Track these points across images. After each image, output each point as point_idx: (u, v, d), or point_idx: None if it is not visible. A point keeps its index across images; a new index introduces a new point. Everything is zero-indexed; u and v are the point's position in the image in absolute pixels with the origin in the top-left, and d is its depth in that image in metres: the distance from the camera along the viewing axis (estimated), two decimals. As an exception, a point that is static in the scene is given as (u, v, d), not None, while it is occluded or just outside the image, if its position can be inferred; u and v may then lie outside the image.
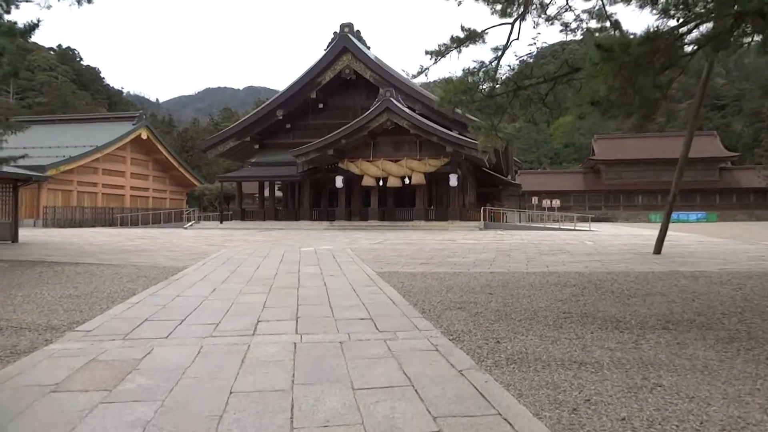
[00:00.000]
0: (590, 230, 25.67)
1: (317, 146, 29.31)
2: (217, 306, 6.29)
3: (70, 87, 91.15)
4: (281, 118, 33.24)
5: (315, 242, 17.91)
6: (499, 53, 8.82)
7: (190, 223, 32.50)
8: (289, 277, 8.77)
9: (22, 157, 15.52)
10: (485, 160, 29.03)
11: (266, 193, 36.51)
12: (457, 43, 9.96)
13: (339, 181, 30.77)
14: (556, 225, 29.56)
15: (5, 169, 15.72)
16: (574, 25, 7.30)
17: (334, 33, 32.30)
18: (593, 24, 7.91)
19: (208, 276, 8.94)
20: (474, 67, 8.17)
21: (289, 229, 28.33)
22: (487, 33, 9.94)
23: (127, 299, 6.77)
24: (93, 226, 33.99)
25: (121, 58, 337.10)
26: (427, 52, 11.91)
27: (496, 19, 10.10)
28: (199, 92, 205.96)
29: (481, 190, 41.50)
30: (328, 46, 32.37)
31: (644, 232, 24.53)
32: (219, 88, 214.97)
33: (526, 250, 14.16)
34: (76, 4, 13.70)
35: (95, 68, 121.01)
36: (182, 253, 13.59)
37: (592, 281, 8.15)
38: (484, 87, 7.30)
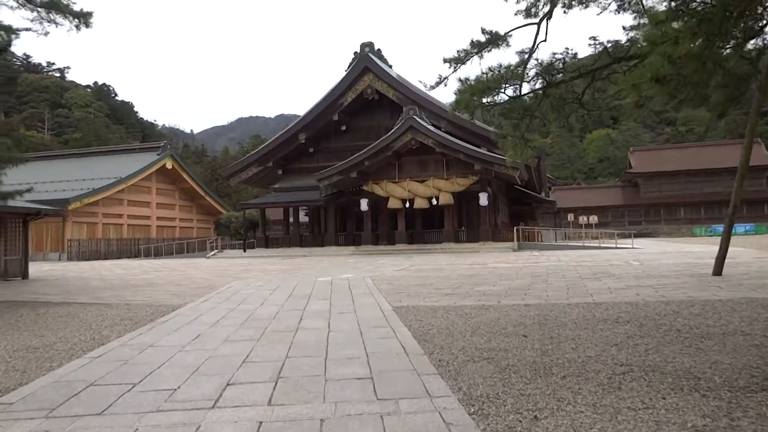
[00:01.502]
0: (633, 248, 23.89)
1: (340, 169, 28.39)
2: (189, 361, 5.17)
3: (104, 122, 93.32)
4: (303, 141, 32.53)
5: (336, 270, 16.80)
6: (525, 56, 7.63)
7: (212, 253, 31.83)
8: (290, 317, 7.62)
9: (28, 190, 14.87)
10: (516, 177, 27.60)
11: (291, 219, 35.70)
12: (478, 47, 8.79)
13: (364, 204, 29.73)
14: (595, 243, 27.79)
15: (12, 203, 15.11)
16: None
17: (355, 53, 31.60)
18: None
19: (200, 317, 7.87)
20: (495, 65, 7.03)
21: (312, 255, 27.31)
22: (510, 35, 8.76)
23: (90, 352, 5.72)
24: (119, 258, 33.66)
25: (156, 92, 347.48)
26: (445, 60, 10.83)
27: (521, 20, 8.96)
28: (231, 122, 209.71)
29: (513, 208, 39.89)
30: (348, 67, 31.66)
31: (693, 248, 22.67)
32: (251, 117, 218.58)
33: (564, 274, 12.72)
34: (75, 29, 13.16)
35: (129, 102, 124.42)
36: (188, 287, 12.62)
37: (649, 315, 6.75)
38: (507, 86, 6.09)
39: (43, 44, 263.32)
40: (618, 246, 24.96)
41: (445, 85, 12.32)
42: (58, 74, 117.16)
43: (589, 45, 6.30)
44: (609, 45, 5.82)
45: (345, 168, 28.37)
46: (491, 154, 26.56)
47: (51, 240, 32.72)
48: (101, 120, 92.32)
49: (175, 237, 40.14)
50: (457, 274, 13.78)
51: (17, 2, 12.52)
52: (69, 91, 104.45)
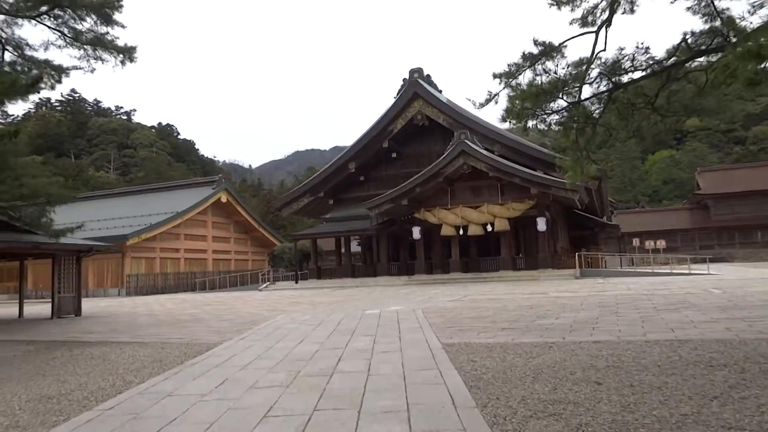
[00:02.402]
0: (710, 274, 21.99)
1: (390, 197, 27.81)
2: (204, 414, 4.53)
3: (167, 160, 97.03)
4: (354, 171, 32.25)
5: (386, 301, 16.03)
6: (583, 68, 6.75)
7: (264, 285, 31.70)
8: (329, 357, 6.90)
9: (80, 227, 14.99)
10: (576, 200, 26.19)
11: (343, 249, 35.28)
12: (530, 60, 8.00)
13: (416, 232, 28.95)
14: (666, 269, 25.86)
15: (64, 240, 15.22)
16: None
17: (404, 79, 31.27)
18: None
19: (233, 358, 7.26)
20: (550, 67, 6.17)
21: (364, 286, 26.67)
22: (565, 46, 7.95)
23: (104, 402, 5.19)
24: (176, 292, 34.07)
25: (216, 130, 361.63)
26: (495, 75, 10.07)
27: (576, 29, 8.14)
28: (288, 156, 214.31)
29: (574, 233, 38.09)
30: (397, 94, 31.34)
31: (779, 273, 20.64)
32: (307, 150, 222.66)
33: (637, 304, 11.47)
34: (120, 65, 13.24)
35: (191, 141, 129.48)
36: (232, 322, 12.15)
37: (750, 357, 5.63)
38: (565, 91, 5.26)
39: (111, 89, 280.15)
40: (692, 272, 23.07)
41: (496, 103, 11.51)
42: (125, 116, 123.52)
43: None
44: (689, 37, 4.92)
45: (396, 195, 27.77)
46: (548, 176, 25.36)
47: (111, 276, 33.53)
48: (163, 158, 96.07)
49: (231, 269, 40.46)
50: (515, 304, 12.74)
51: (65, 42, 12.72)
52: (135, 132, 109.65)
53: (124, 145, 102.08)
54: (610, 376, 5.09)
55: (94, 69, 13.08)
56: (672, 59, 4.89)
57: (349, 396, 4.87)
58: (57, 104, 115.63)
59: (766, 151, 76.65)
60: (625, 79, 5.08)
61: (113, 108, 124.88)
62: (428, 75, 31.67)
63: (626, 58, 5.22)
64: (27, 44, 12.97)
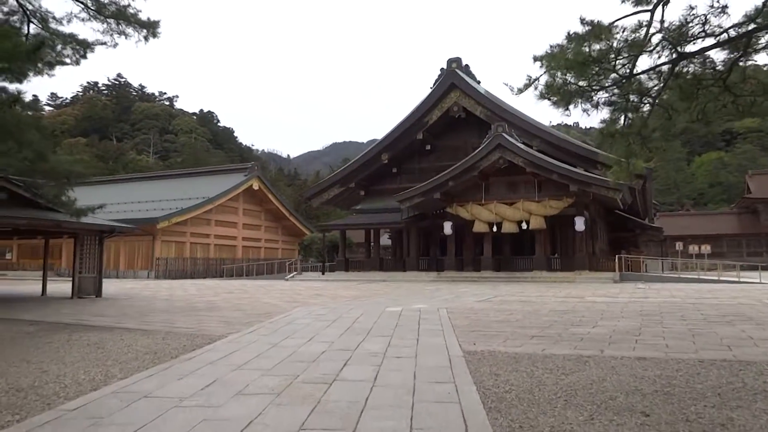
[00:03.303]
0: (762, 283, 20.46)
1: (422, 190, 26.95)
2: (173, 425, 3.89)
3: (205, 146, 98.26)
4: (386, 162, 31.47)
5: (411, 299, 15.29)
6: (640, 33, 5.78)
7: (291, 275, 31.31)
8: (334, 360, 6.20)
9: (101, 207, 14.66)
10: (618, 200, 24.83)
11: (372, 241, 34.60)
12: (576, 41, 7.10)
13: (447, 228, 28.04)
14: (712, 275, 24.33)
15: (86, 220, 14.95)
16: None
17: (441, 69, 30.28)
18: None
19: (232, 354, 6.64)
20: (596, 48, 5.20)
21: (391, 280, 25.96)
22: (615, 26, 7.01)
23: (71, 401, 4.63)
24: (204, 277, 34.03)
25: (256, 119, 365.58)
26: (536, 58, 9.16)
27: (629, 8, 7.16)
28: (326, 147, 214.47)
29: (613, 235, 36.52)
30: (434, 84, 30.37)
31: (840, 286, 19.03)
32: (344, 142, 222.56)
33: (684, 314, 10.41)
34: (143, 40, 12.83)
35: (230, 128, 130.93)
36: (247, 313, 11.59)
37: (834, 388, 4.67)
38: (618, 60, 4.36)
39: (155, 75, 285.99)
40: (742, 280, 21.55)
41: (536, 89, 10.57)
42: (167, 102, 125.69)
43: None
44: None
45: (428, 189, 26.90)
46: (589, 174, 24.12)
47: (141, 258, 33.70)
48: (202, 144, 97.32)
49: (260, 258, 40.33)
50: (548, 308, 11.82)
51: (88, 14, 12.34)
52: (176, 117, 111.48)
53: (166, 130, 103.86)
54: (659, 405, 4.23)
55: (117, 44, 12.69)
56: (752, 25, 3.97)
57: (344, 412, 4.15)
58: (103, 88, 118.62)
59: None
60: (691, 48, 4.18)
61: (157, 93, 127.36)
62: (467, 65, 30.59)
63: (696, 21, 4.28)
64: (53, 17, 12.69)
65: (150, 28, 12.44)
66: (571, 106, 7.25)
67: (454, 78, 29.61)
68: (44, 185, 13.21)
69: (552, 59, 4.59)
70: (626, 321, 9.41)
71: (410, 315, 10.62)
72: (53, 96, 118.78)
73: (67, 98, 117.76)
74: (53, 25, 12.90)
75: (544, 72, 9.65)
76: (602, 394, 4.59)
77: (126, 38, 12.66)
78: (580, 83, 4.50)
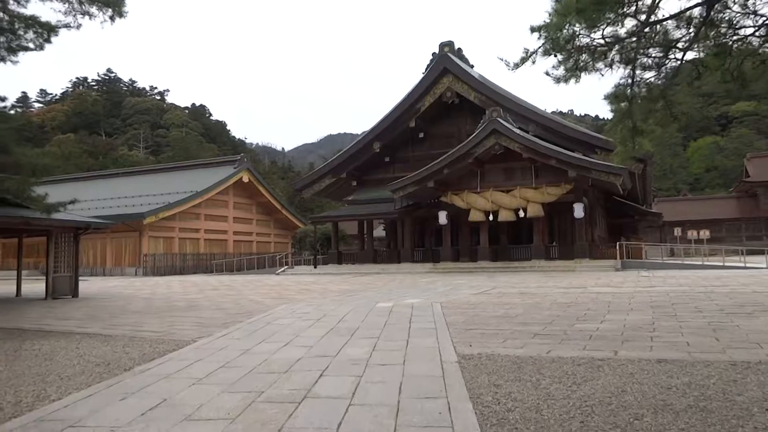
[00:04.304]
0: (768, 268, 19.74)
1: (415, 179, 26.08)
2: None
3: (198, 140, 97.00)
4: (378, 151, 30.50)
5: (404, 292, 14.48)
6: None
7: (282, 269, 30.46)
8: (309, 370, 5.39)
9: (71, 202, 13.75)
10: (618, 186, 24.01)
11: (366, 233, 33.74)
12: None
13: (443, 217, 27.19)
14: (715, 261, 23.58)
15: (58, 216, 14.03)
16: None
17: (433, 54, 29.26)
18: None
19: (194, 364, 5.83)
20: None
21: (385, 273, 25.16)
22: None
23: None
24: (194, 273, 33.17)
25: (250, 112, 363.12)
26: (533, 29, 8.33)
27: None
28: (321, 139, 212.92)
29: (611, 221, 35.76)
30: (426, 69, 29.37)
31: None
32: (339, 134, 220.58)
33: (697, 304, 9.63)
34: (109, 21, 11.93)
35: (222, 122, 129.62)
36: (227, 312, 10.76)
37: None
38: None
39: (146, 69, 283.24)
40: (747, 266, 20.81)
41: (533, 63, 9.69)
42: (158, 97, 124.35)
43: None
44: None
45: (421, 177, 26.03)
46: (588, 158, 23.31)
47: (129, 255, 32.80)
48: (194, 138, 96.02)
49: (252, 252, 39.46)
50: (550, 300, 11.03)
51: (47, -8, 11.42)
52: (167, 112, 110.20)
53: (157, 125, 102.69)
54: (697, 427, 3.42)
55: (80, 25, 11.78)
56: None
57: (307, 446, 3.33)
58: (93, 84, 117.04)
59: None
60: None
61: (148, 88, 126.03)
62: (459, 49, 29.58)
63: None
64: (12, -1, 11.79)
65: (115, 6, 11.52)
66: (580, 62, 6.30)
67: (447, 62, 28.63)
68: (5, 180, 12.28)
69: (556, 3, 3.78)
70: (636, 314, 8.62)
71: (402, 311, 9.81)
72: (42, 92, 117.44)
73: (56, 94, 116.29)
74: (13, 6, 12.03)
75: (543, 44, 8.79)
76: (625, 412, 3.78)
77: (90, 18, 11.76)
78: (593, 35, 3.74)
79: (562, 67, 9.21)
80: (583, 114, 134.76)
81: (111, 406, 4.32)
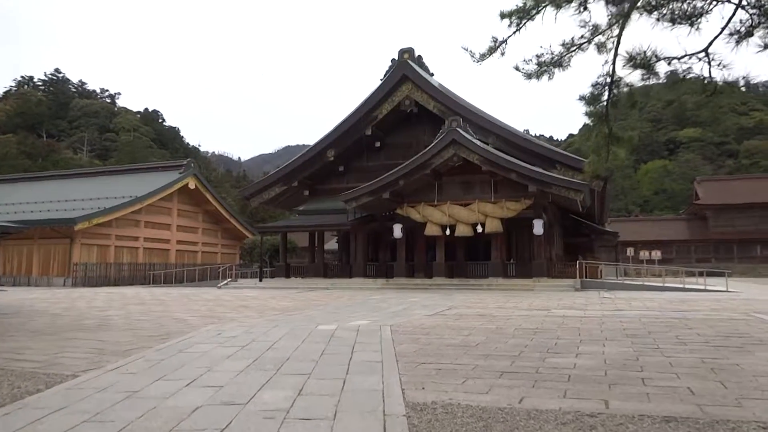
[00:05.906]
0: (729, 291, 19.26)
1: (370, 189, 24.77)
2: None
3: (148, 144, 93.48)
4: (332, 159, 29.09)
5: (352, 311, 13.08)
6: None
7: (225, 282, 28.51)
8: (204, 429, 3.91)
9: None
10: (579, 202, 23.31)
11: (317, 246, 32.14)
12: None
13: (397, 231, 25.95)
14: (674, 283, 23.10)
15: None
16: None
17: (392, 60, 28.20)
18: None
19: (56, 412, 4.27)
20: None
21: (335, 288, 23.65)
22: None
23: None
24: (131, 285, 30.81)
25: (206, 120, 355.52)
26: (503, 15, 7.36)
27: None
28: (278, 150, 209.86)
29: (568, 240, 35.32)
30: (384, 75, 28.22)
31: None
32: (297, 145, 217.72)
33: (676, 333, 8.59)
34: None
35: (176, 128, 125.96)
36: (137, 334, 9.10)
37: None
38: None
39: (97, 71, 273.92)
40: (708, 288, 20.33)
41: (503, 54, 8.68)
42: (109, 100, 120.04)
43: None
44: None
45: (376, 188, 24.74)
46: (549, 173, 22.53)
47: (58, 263, 30.15)
48: (144, 143, 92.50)
49: (197, 262, 37.22)
50: (514, 326, 9.82)
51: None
52: (118, 115, 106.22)
53: (106, 128, 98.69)
54: None
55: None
56: None
57: None
58: (39, 83, 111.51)
59: (759, 165, 75.43)
60: None
61: (98, 90, 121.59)
62: (419, 56, 28.58)
63: None
64: None
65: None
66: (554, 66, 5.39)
67: (406, 69, 27.59)
68: None
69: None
70: (614, 345, 7.47)
71: (345, 336, 8.40)
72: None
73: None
74: None
75: (514, 32, 7.64)
76: None
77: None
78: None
79: (533, 63, 8.07)
80: (538, 134, 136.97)
81: None
